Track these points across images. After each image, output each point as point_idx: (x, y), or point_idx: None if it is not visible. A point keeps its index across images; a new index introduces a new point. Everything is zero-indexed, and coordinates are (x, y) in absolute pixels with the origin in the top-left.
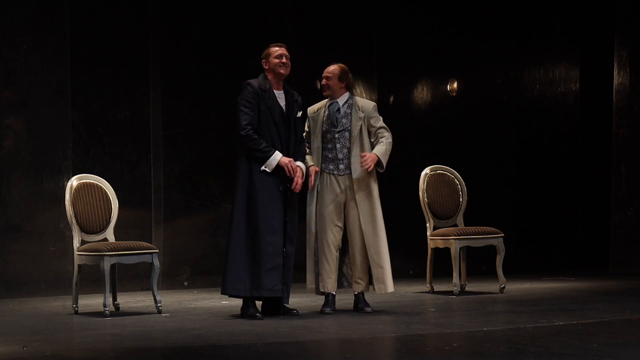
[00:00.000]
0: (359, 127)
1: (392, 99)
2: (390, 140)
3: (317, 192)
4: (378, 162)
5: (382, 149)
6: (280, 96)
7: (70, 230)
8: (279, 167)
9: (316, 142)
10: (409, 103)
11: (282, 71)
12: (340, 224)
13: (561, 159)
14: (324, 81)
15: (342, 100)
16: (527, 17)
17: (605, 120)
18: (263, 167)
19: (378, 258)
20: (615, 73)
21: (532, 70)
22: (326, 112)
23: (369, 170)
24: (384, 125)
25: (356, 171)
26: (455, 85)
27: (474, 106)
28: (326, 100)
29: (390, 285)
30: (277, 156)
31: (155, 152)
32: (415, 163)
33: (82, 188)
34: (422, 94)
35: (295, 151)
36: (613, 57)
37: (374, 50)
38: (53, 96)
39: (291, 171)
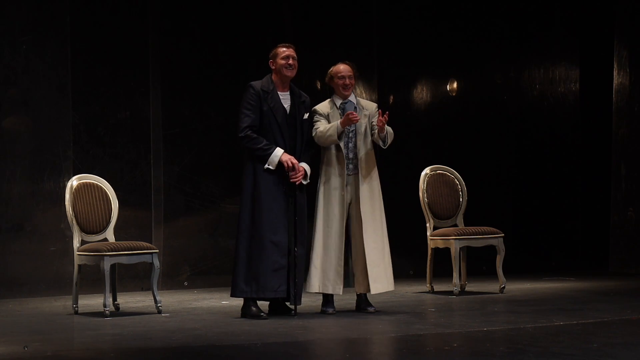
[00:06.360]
0: (364, 126)
1: (392, 99)
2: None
3: (324, 192)
4: (384, 137)
5: (389, 129)
6: (285, 97)
7: (70, 230)
8: (281, 164)
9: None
10: (409, 103)
11: (287, 73)
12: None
13: (561, 158)
14: (347, 81)
15: (352, 99)
16: (527, 17)
17: (605, 120)
18: (266, 166)
19: (375, 256)
20: (615, 73)
21: (532, 70)
22: (340, 112)
23: (384, 123)
24: None
25: (361, 151)
26: (455, 85)
27: (474, 106)
28: (328, 100)
29: (386, 284)
30: (279, 152)
31: (155, 152)
32: (415, 163)
33: (82, 188)
34: (422, 94)
35: (302, 153)
36: (613, 57)
37: (374, 50)
38: (53, 96)
39: (289, 165)
